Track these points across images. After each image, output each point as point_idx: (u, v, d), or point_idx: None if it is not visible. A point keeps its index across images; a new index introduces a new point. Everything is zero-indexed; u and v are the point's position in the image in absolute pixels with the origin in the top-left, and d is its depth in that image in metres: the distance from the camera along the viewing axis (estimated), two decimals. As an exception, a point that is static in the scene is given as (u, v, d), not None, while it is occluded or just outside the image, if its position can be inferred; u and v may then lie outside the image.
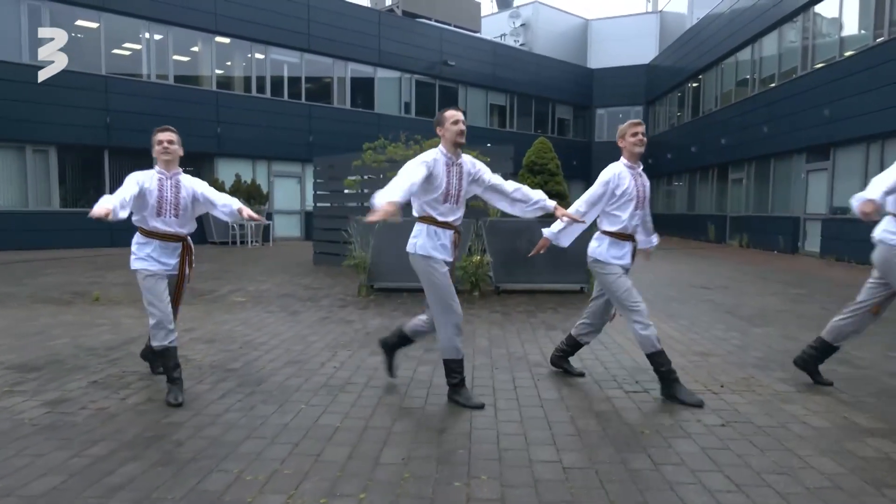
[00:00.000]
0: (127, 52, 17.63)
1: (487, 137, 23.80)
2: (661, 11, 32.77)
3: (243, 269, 11.71)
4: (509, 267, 8.59)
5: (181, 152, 3.94)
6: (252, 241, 17.88)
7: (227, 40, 19.23)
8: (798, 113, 16.12)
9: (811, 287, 9.63)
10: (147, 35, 17.63)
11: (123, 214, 3.53)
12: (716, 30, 22.16)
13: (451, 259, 3.74)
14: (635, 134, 3.95)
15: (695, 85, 24.73)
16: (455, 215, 3.74)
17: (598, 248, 4.00)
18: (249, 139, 19.27)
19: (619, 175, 3.96)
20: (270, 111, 19.83)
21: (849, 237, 14.04)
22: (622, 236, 3.97)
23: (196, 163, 19.10)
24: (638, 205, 3.96)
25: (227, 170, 18.77)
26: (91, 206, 3.35)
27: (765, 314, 7.01)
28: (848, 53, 14.56)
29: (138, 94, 17.18)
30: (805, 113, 15.71)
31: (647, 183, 4.12)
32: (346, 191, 12.14)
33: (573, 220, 3.97)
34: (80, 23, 16.66)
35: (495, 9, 34.00)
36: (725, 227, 20.95)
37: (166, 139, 3.86)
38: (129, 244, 3.88)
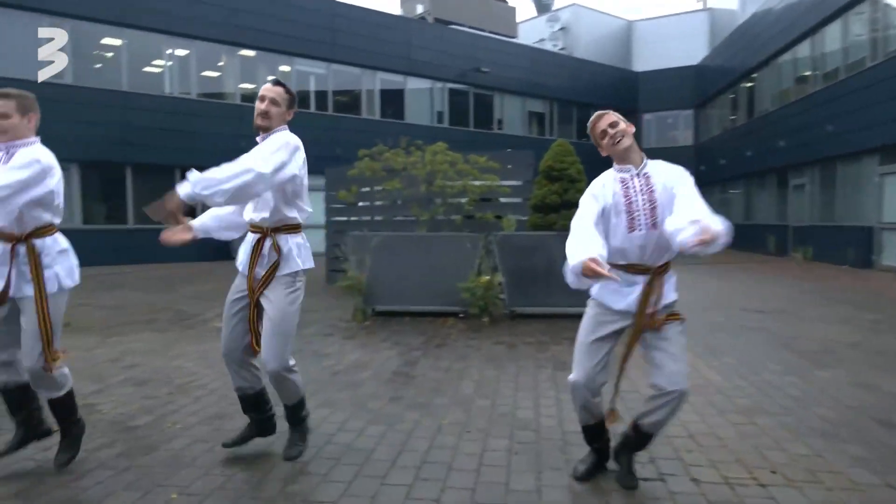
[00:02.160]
0: (152, 70, 17.45)
1: (526, 145, 22.67)
2: (710, 9, 30.99)
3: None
4: (525, 287, 7.47)
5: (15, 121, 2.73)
6: (275, 258, 17.24)
7: (251, 53, 18.84)
8: (868, 108, 14.37)
9: (889, 311, 8.10)
10: (170, 51, 17.38)
11: None
12: (770, 24, 20.45)
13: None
14: (603, 133, 2.68)
15: (749, 85, 22.96)
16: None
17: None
18: (275, 153, 18.73)
19: (603, 186, 2.71)
20: (295, 123, 19.25)
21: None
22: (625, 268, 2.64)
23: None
24: (636, 222, 2.59)
25: (252, 185, 18.26)
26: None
27: (832, 349, 5.65)
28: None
29: (159, 109, 16.88)
30: (877, 108, 13.96)
31: (657, 183, 2.62)
32: (359, 203, 11.34)
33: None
34: (105, 41, 16.54)
35: (533, 13, 32.94)
36: (787, 238, 19.09)
37: None
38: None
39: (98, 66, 16.89)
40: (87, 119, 15.61)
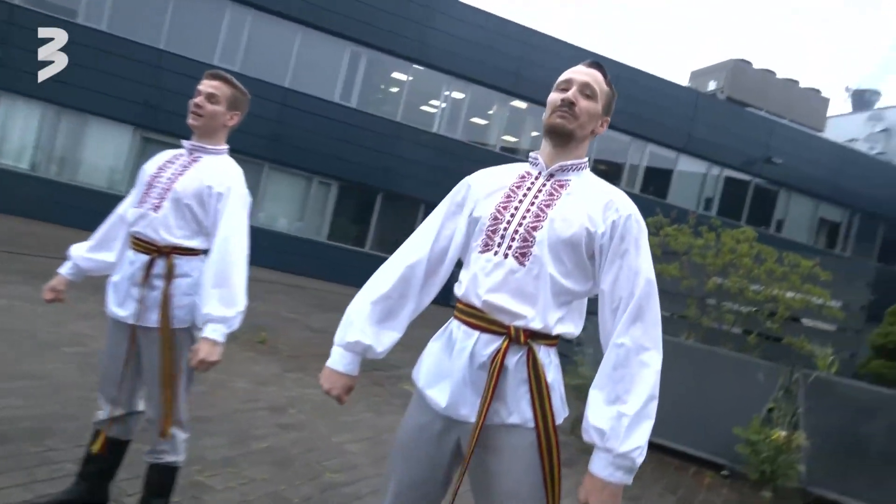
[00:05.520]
0: (427, 110, 17.92)
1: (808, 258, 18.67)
2: None
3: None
4: (840, 463, 4.94)
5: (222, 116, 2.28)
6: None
7: (523, 105, 18.42)
8: None
9: None
10: (447, 92, 17.68)
11: None
12: None
13: None
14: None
15: None
16: None
17: None
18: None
19: None
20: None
21: None
22: None
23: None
24: None
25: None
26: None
27: None
28: None
29: (427, 144, 17.09)
30: None
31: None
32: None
33: None
34: (394, 75, 17.40)
35: (848, 109, 28.12)
36: None
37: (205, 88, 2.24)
38: None
39: (380, 97, 17.81)
40: (359, 143, 16.34)
